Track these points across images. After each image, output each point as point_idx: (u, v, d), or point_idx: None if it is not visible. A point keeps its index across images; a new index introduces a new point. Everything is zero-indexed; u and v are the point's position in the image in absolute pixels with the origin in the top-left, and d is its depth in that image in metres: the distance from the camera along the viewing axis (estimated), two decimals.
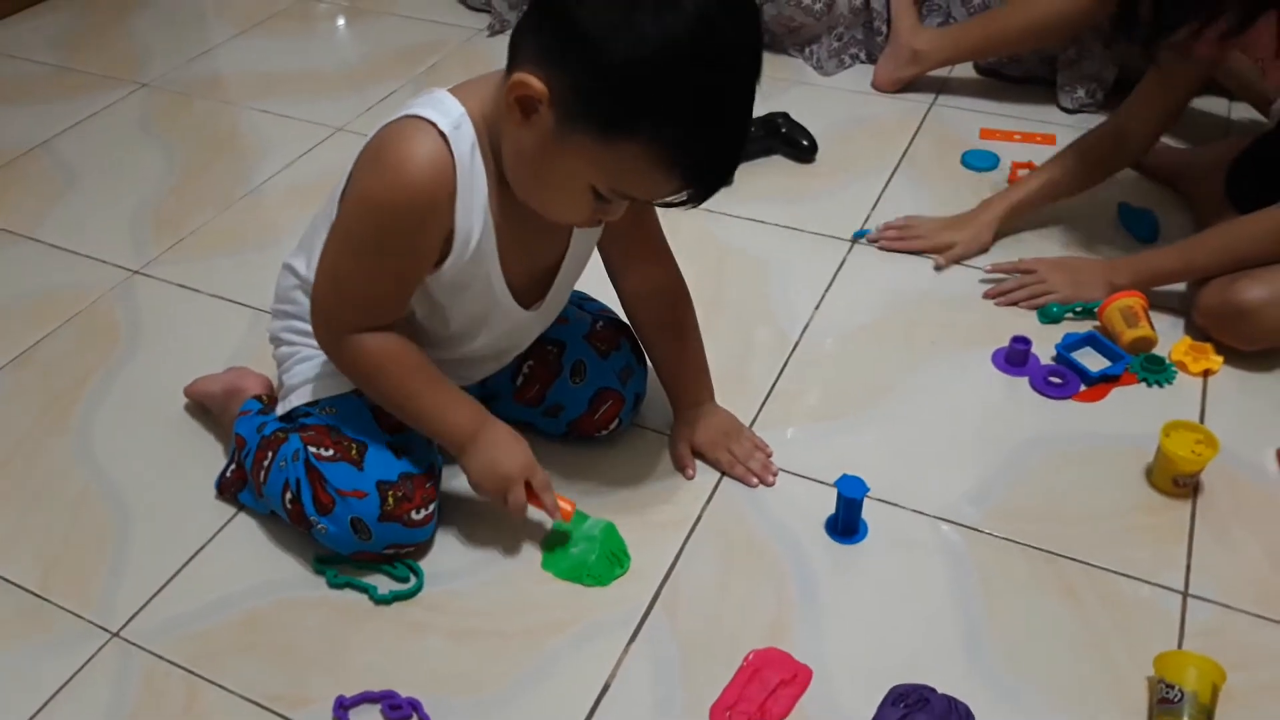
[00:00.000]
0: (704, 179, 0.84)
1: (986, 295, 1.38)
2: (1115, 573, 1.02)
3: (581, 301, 1.18)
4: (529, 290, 1.01)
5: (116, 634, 1.00)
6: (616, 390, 1.12)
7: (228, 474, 1.11)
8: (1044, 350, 1.28)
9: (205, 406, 1.20)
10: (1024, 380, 1.25)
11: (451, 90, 0.92)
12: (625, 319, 1.16)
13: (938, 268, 1.42)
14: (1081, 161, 1.42)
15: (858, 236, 1.34)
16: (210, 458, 1.17)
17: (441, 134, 0.87)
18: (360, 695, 0.93)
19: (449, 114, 0.88)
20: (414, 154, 0.87)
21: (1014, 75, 1.82)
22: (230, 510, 1.11)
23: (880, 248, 1.46)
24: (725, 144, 0.84)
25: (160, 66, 1.99)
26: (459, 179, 0.89)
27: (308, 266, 1.03)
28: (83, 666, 0.97)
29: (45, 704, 0.94)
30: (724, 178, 0.85)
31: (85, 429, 1.21)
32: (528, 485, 1.01)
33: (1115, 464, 1.14)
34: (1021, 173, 1.58)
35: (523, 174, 0.89)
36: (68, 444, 1.20)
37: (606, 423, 1.13)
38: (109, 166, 1.69)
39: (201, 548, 1.08)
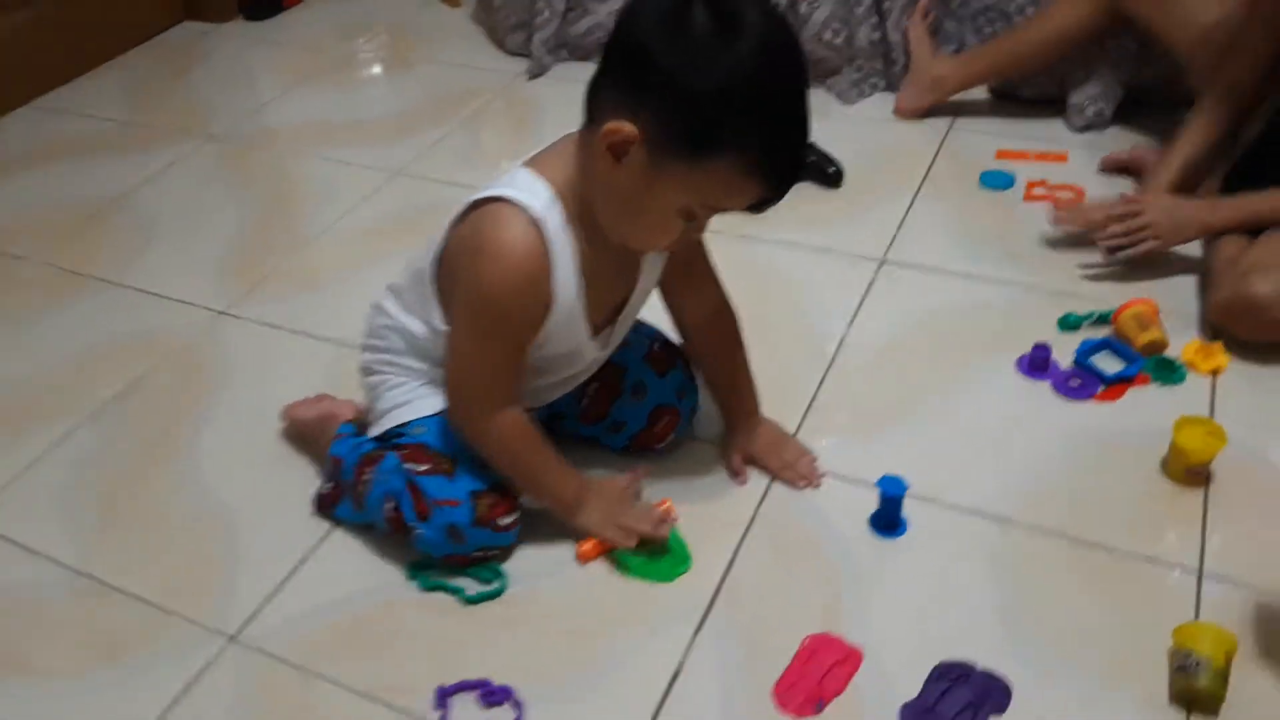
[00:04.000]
0: (784, 178, 0.96)
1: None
2: (1136, 555, 1.12)
3: (638, 326, 1.29)
4: (602, 328, 1.13)
5: (234, 638, 1.11)
6: (673, 406, 1.24)
7: (324, 491, 1.23)
8: (1064, 356, 1.38)
9: (300, 431, 1.32)
10: (1046, 384, 1.35)
11: (533, 165, 1.03)
12: (677, 339, 1.27)
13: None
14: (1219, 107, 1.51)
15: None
16: (304, 477, 1.28)
17: (533, 217, 0.99)
18: (458, 684, 1.04)
19: (538, 196, 1.00)
20: (513, 243, 0.99)
21: (1026, 96, 1.93)
22: (326, 525, 1.23)
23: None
24: (798, 142, 0.95)
25: (224, 120, 2.13)
26: (553, 256, 1.01)
27: (401, 309, 1.15)
28: (204, 669, 1.08)
29: (174, 702, 1.05)
30: (798, 173, 0.96)
31: (190, 456, 1.33)
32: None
33: (1132, 458, 1.23)
34: (1036, 190, 1.69)
35: (618, 212, 1.00)
36: (176, 470, 1.32)
37: (664, 436, 1.24)
38: (186, 215, 1.83)
39: (305, 558, 1.19)
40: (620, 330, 1.16)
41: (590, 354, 1.13)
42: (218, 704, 1.05)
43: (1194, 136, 1.54)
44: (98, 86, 2.29)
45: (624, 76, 0.94)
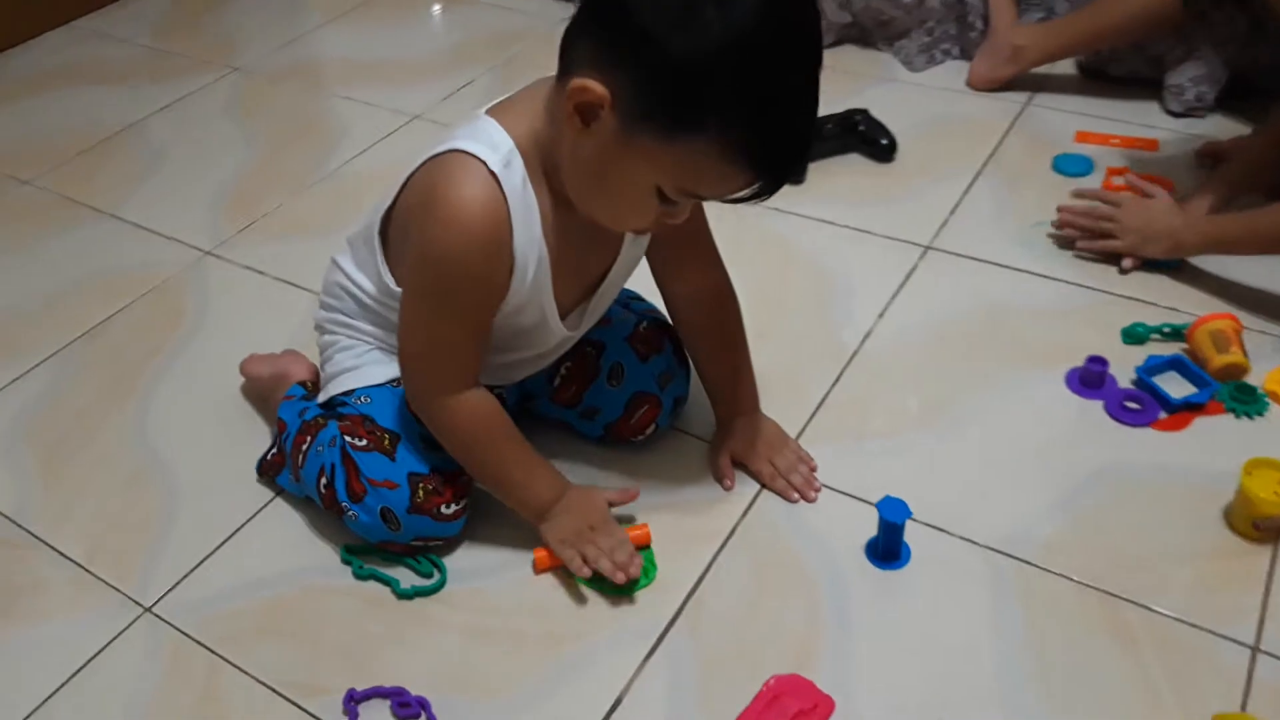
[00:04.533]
0: (775, 171, 0.81)
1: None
2: (1178, 620, 0.94)
3: (629, 301, 1.15)
4: (574, 305, 0.99)
5: (149, 609, 1.02)
6: (654, 395, 1.09)
7: (269, 456, 1.12)
8: (1123, 373, 1.19)
9: (255, 388, 1.22)
10: (1098, 404, 1.16)
11: (497, 113, 0.90)
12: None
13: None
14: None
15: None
16: (259, 439, 1.18)
17: (491, 172, 0.85)
18: (371, 690, 0.93)
19: (497, 148, 0.86)
20: (467, 201, 0.85)
21: (1118, 75, 1.70)
22: (269, 493, 1.12)
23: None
24: (796, 133, 0.80)
25: (253, 52, 2.03)
26: (513, 217, 0.87)
27: (355, 265, 1.03)
28: (114, 639, 0.99)
29: (76, 672, 0.97)
30: (795, 168, 0.82)
31: (144, 406, 1.24)
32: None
33: (1190, 501, 1.05)
34: (1116, 180, 1.48)
35: (585, 183, 0.86)
36: (127, 420, 1.23)
37: (643, 427, 1.10)
38: (193, 149, 1.74)
39: (238, 529, 1.09)
40: (595, 309, 1.03)
41: (558, 333, 1.00)
42: (120, 681, 0.96)
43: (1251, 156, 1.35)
44: (138, 10, 2.22)
45: (599, 26, 0.79)
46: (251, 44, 2.06)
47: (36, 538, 1.10)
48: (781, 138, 0.80)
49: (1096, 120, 1.64)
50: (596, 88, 0.78)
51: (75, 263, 1.49)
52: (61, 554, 1.08)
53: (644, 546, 1.01)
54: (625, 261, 1.01)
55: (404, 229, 0.94)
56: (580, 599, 1.00)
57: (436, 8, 2.22)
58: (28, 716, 0.93)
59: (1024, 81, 1.73)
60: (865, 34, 1.86)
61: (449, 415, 0.96)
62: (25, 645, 0.99)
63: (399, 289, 0.97)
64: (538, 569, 1.02)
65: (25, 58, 2.06)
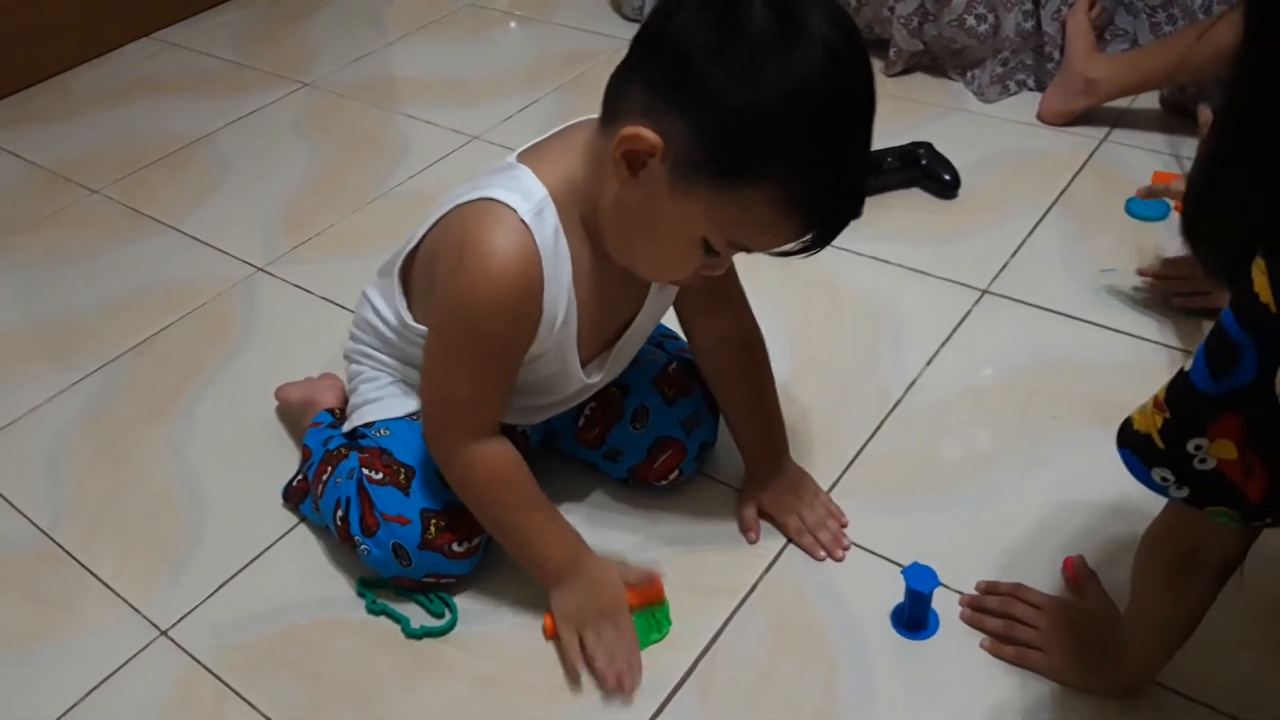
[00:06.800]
0: (829, 224, 0.78)
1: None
2: (1225, 714, 0.87)
3: (662, 340, 1.12)
4: (595, 354, 0.97)
5: (164, 633, 1.02)
6: (678, 440, 1.06)
7: (294, 483, 1.12)
8: None
9: (286, 412, 1.22)
10: None
11: (530, 159, 0.87)
12: None
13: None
14: None
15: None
16: (289, 463, 1.17)
17: (524, 222, 0.83)
18: None
19: (530, 197, 0.84)
20: (498, 252, 0.83)
21: None
22: (292, 520, 1.12)
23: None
24: (851, 186, 0.78)
25: (324, 67, 2.06)
26: (545, 269, 0.85)
27: (383, 300, 1.02)
28: (128, 661, 1.00)
29: (89, 692, 0.97)
30: (848, 222, 0.79)
31: (183, 425, 1.26)
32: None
33: (1268, 585, 0.97)
34: None
35: (626, 233, 0.84)
36: (165, 435, 1.24)
37: (666, 472, 1.07)
38: (258, 164, 1.76)
39: (258, 555, 1.09)
40: (617, 359, 1.00)
41: (577, 382, 0.97)
42: (130, 706, 0.96)
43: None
44: (221, 21, 2.27)
45: (654, 74, 0.76)
46: (325, 58, 2.09)
47: (67, 552, 1.12)
48: (838, 191, 0.77)
49: (1178, 161, 1.55)
50: (649, 135, 0.75)
51: (132, 275, 1.52)
52: (89, 570, 1.09)
53: (655, 604, 0.98)
54: (650, 312, 0.98)
55: (428, 272, 0.93)
56: None
57: (500, 28, 2.22)
58: None
59: (1103, 116, 1.65)
60: (937, 62, 1.80)
61: (465, 464, 0.93)
62: (45, 662, 1.00)
63: (417, 326, 0.96)
64: (548, 636, 0.98)
65: (105, 69, 2.12)
